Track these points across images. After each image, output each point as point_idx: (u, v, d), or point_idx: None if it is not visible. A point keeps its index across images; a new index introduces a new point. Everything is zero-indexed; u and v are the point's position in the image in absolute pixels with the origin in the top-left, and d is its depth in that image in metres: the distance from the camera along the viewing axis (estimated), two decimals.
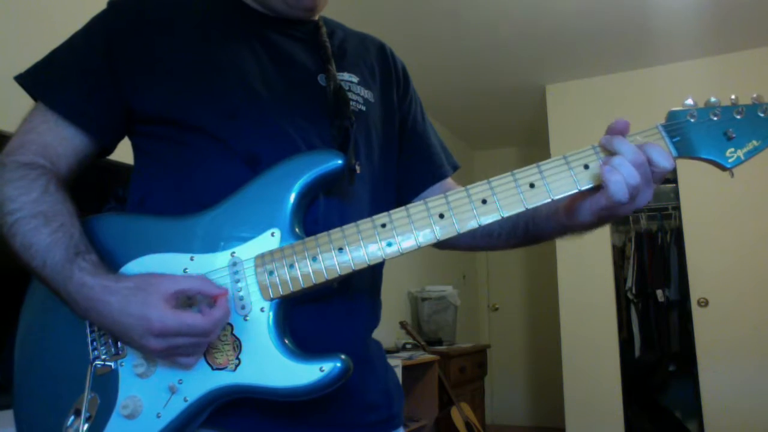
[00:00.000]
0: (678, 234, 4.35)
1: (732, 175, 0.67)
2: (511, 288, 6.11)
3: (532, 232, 0.92)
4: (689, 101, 0.68)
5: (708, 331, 3.99)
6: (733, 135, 0.67)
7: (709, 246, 4.06)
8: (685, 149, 0.69)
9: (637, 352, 4.47)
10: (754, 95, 0.65)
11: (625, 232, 4.86)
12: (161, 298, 0.71)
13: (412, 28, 3.74)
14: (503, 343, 6.07)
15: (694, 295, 4.06)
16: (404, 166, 1.02)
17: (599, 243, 4.40)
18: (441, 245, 1.03)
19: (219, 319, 0.73)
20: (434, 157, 1.05)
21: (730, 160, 0.68)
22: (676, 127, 0.70)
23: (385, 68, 1.03)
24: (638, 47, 4.07)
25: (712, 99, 0.67)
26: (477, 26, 3.74)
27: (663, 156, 0.70)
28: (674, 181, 4.36)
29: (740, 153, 0.66)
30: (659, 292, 4.43)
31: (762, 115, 0.67)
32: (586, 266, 4.38)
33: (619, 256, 4.65)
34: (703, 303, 4.02)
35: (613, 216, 0.77)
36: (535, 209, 0.82)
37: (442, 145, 1.09)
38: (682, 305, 4.40)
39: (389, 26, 3.64)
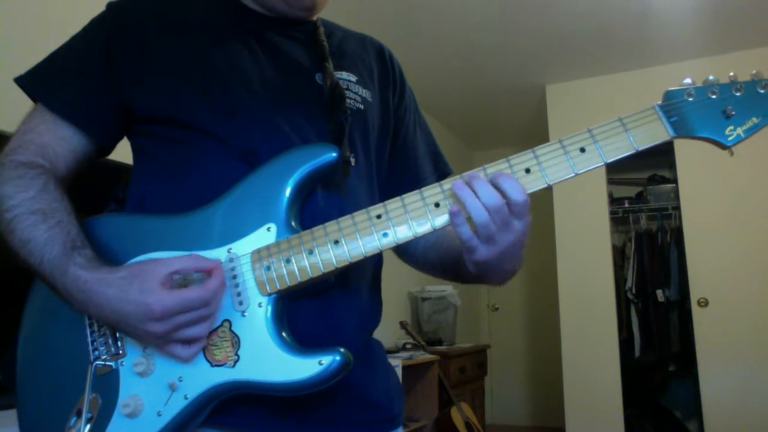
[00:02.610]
0: (678, 234, 4.35)
1: (732, 153, 0.66)
2: (511, 288, 6.09)
3: (456, 273, 0.94)
4: (687, 80, 0.67)
5: (708, 331, 3.99)
6: (733, 113, 0.66)
7: (709, 246, 4.06)
8: (683, 129, 0.68)
9: (637, 352, 4.46)
10: (754, 71, 0.64)
11: (625, 232, 4.86)
12: (157, 282, 0.72)
13: (413, 27, 3.74)
14: (503, 343, 6.06)
15: (694, 295, 4.06)
16: (389, 172, 1.02)
17: (599, 243, 4.39)
18: (398, 255, 1.05)
19: (216, 287, 0.73)
20: (418, 170, 1.05)
21: (729, 138, 0.66)
22: (673, 106, 0.69)
23: (383, 70, 1.04)
24: (638, 47, 4.07)
25: (710, 77, 0.66)
26: (477, 26, 3.75)
27: (515, 190, 0.71)
28: (674, 181, 4.37)
29: (740, 130, 0.65)
30: (659, 292, 4.43)
31: (762, 91, 0.66)
32: (586, 266, 4.38)
33: (619, 256, 4.64)
34: (703, 303, 4.02)
35: (480, 262, 0.77)
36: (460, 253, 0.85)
37: (434, 153, 1.09)
38: (682, 305, 4.39)
39: (389, 25, 3.65)
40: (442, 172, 1.07)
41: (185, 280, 0.74)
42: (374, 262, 0.94)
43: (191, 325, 0.73)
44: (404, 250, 1.04)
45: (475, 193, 0.72)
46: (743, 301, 3.92)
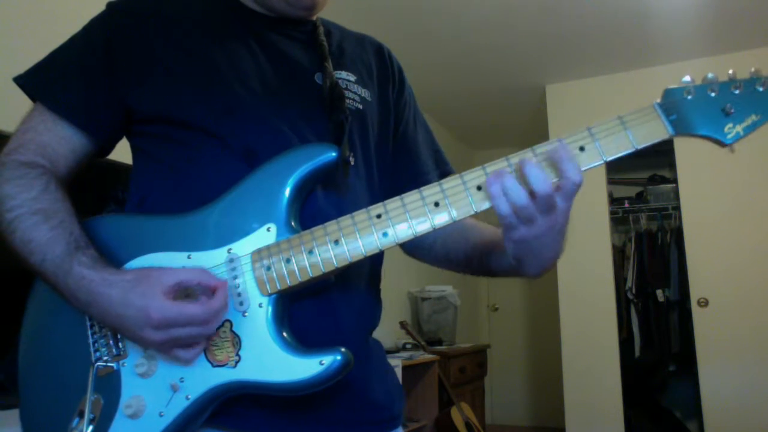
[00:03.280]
0: (678, 234, 4.35)
1: (732, 150, 0.66)
2: (511, 288, 6.10)
3: (486, 266, 0.92)
4: (686, 78, 0.67)
5: (708, 331, 3.99)
6: (732, 110, 0.66)
7: (709, 246, 4.06)
8: (682, 127, 0.68)
9: (637, 352, 4.46)
10: (752, 69, 0.65)
11: (625, 232, 4.86)
12: (161, 290, 0.71)
13: (413, 27, 3.74)
14: (503, 343, 6.07)
15: (694, 295, 4.05)
16: (390, 169, 1.02)
17: (599, 243, 4.39)
18: (411, 252, 1.03)
19: (218, 308, 0.73)
20: (420, 165, 1.05)
21: (729, 136, 0.66)
22: (672, 104, 0.69)
23: (382, 68, 1.04)
24: (638, 47, 4.07)
25: (709, 75, 0.66)
26: (477, 26, 3.75)
27: (574, 170, 0.69)
28: (674, 181, 4.37)
29: (739, 128, 0.65)
30: (659, 292, 4.43)
31: (760, 89, 0.66)
32: (586, 266, 4.37)
33: (619, 256, 4.64)
34: (703, 303, 4.02)
35: (518, 240, 0.74)
36: (491, 244, 0.84)
37: (434, 150, 1.08)
38: (682, 305, 4.39)
39: (389, 25, 3.65)
40: (442, 170, 1.07)
41: (188, 292, 0.74)
42: (374, 261, 0.94)
43: (187, 339, 0.73)
44: (421, 247, 1.02)
45: (524, 177, 0.69)
46: (743, 301, 3.91)
